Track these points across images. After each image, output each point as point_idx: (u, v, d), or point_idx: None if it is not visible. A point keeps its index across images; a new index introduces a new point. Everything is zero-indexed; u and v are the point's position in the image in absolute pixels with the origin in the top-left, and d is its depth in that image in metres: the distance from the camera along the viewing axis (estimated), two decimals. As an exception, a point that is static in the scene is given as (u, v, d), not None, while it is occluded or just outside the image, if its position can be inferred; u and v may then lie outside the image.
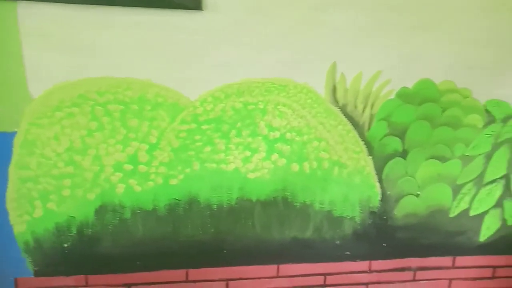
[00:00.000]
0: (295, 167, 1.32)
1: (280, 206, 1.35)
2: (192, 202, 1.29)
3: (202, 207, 1.30)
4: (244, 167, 1.28)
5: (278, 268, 1.41)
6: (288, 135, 1.28)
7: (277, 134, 1.28)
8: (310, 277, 1.43)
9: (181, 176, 1.26)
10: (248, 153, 1.27)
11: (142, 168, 1.23)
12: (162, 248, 1.32)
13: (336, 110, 1.28)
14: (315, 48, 1.20)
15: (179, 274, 1.37)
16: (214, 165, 1.26)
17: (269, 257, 1.39)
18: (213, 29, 1.13)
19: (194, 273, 1.38)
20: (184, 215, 1.30)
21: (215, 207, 1.31)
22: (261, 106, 1.24)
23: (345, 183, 1.36)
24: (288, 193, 1.34)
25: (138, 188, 1.25)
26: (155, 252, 1.31)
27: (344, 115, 1.29)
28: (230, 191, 1.29)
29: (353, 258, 1.45)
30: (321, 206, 1.37)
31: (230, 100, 1.21)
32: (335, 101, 1.27)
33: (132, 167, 1.23)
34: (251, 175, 1.30)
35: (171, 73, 1.16)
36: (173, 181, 1.26)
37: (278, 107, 1.25)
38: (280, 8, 1.15)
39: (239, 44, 1.16)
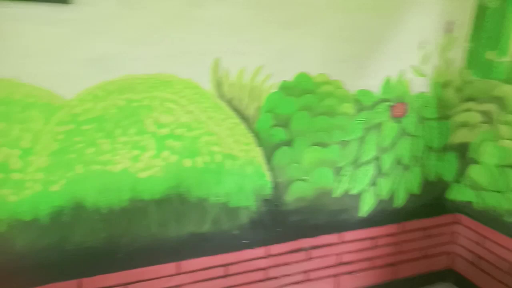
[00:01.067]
0: (188, 162, 1.33)
1: (175, 203, 1.35)
2: (78, 207, 1.21)
3: (90, 212, 1.23)
4: (134, 166, 1.25)
5: (178, 265, 1.41)
6: (177, 131, 1.29)
7: (166, 130, 1.27)
8: (211, 270, 1.46)
9: (63, 181, 1.18)
10: (136, 152, 1.25)
11: (15, 176, 1.13)
12: (49, 260, 1.22)
13: (224, 104, 1.33)
14: (196, 43, 1.23)
15: (71, 285, 1.28)
16: (100, 167, 1.21)
17: (168, 255, 1.38)
18: (84, 21, 1.08)
19: (88, 282, 1.30)
20: (71, 222, 1.22)
21: (105, 211, 1.25)
22: (146, 103, 1.22)
23: (239, 174, 1.41)
24: (183, 189, 1.34)
25: (13, 198, 1.14)
26: (41, 264, 1.21)
27: (232, 108, 1.35)
28: (120, 192, 1.25)
29: (251, 245, 1.51)
30: (216, 199, 1.40)
31: (112, 98, 1.17)
32: (222, 95, 1.32)
33: (2, 175, 1.11)
34: (141, 174, 1.27)
35: (41, 70, 1.08)
36: (54, 187, 1.17)
37: (165, 103, 1.25)
38: (154, 1, 1.15)
39: (113, 38, 1.13)
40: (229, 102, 1.34)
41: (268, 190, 1.48)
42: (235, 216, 1.45)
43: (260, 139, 1.41)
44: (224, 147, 1.36)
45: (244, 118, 1.37)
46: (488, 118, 1.73)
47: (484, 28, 1.65)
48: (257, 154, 1.42)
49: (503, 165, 1.68)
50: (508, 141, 1.65)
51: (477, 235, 1.82)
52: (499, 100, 1.68)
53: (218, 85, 1.30)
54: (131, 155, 1.24)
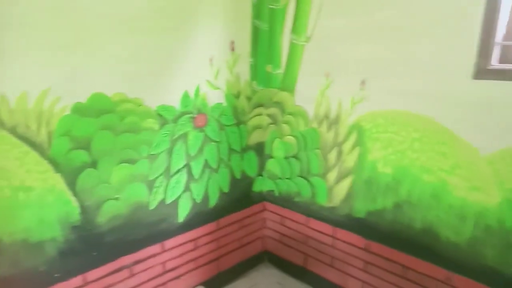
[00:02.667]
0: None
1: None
2: None
3: None
4: None
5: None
6: None
7: None
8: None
9: None
10: None
11: None
12: None
13: (5, 133, 1.21)
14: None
15: None
16: None
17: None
18: None
19: None
20: None
21: None
22: None
23: (37, 205, 1.31)
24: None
25: None
26: None
27: (17, 137, 1.23)
28: None
29: (64, 278, 1.42)
30: (11, 237, 1.26)
31: None
32: (2, 123, 1.20)
33: None
34: None
35: None
36: None
37: None
38: None
39: None
40: (12, 130, 1.22)
41: (76, 216, 1.42)
42: (39, 251, 1.34)
43: (58, 165, 1.34)
44: (13, 179, 1.24)
45: (34, 145, 1.28)
46: (274, 119, 2.10)
47: (260, 46, 1.99)
48: (57, 180, 1.35)
49: (288, 157, 2.07)
50: (289, 136, 2.05)
51: (279, 216, 2.19)
52: (279, 104, 2.06)
53: (-5, 113, 1.18)
54: None
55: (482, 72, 1.37)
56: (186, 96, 1.72)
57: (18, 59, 1.19)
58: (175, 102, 1.68)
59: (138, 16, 1.46)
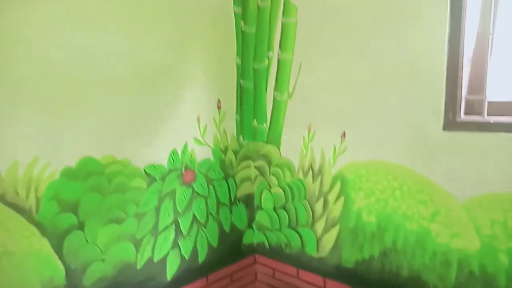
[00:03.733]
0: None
1: None
2: None
3: None
4: None
5: None
6: None
7: None
8: None
9: None
10: None
11: None
12: None
13: (-8, 201, 1.25)
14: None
15: None
16: None
17: None
18: None
19: None
20: None
21: None
22: None
23: (18, 270, 1.31)
24: None
25: None
26: None
27: (5, 204, 1.27)
28: None
29: None
30: (-5, 305, 1.26)
31: None
32: (-10, 192, 1.24)
33: None
34: None
35: None
36: None
37: None
38: None
39: None
40: (1, 198, 1.26)
41: (60, 280, 1.42)
42: (22, 318, 1.32)
43: (44, 228, 1.37)
44: (-2, 245, 1.26)
45: (21, 210, 1.31)
46: (261, 171, 2.15)
47: (245, 103, 2.09)
48: (43, 244, 1.37)
49: (276, 208, 2.09)
50: (277, 188, 2.09)
51: (270, 269, 2.16)
52: (266, 157, 2.12)
53: (-16, 182, 1.23)
54: None
55: (451, 124, 1.45)
56: (174, 153, 1.78)
57: (6, 129, 1.26)
58: (163, 160, 1.74)
59: (125, 79, 1.56)
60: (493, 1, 1.40)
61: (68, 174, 1.42)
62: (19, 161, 1.29)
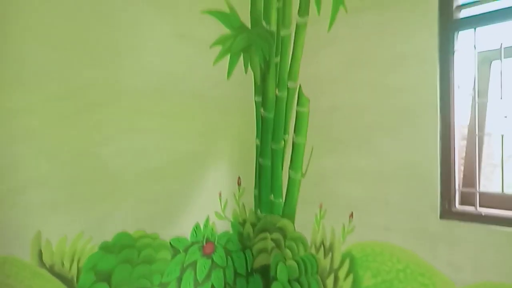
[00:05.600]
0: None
1: None
2: None
3: None
4: None
5: None
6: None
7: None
8: None
9: None
10: None
11: None
12: None
13: (44, 271, 1.47)
14: (15, 219, 1.41)
15: None
16: None
17: None
18: None
19: None
20: None
21: None
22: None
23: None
24: None
25: None
26: None
27: (53, 274, 1.49)
28: None
29: None
30: None
31: None
32: (42, 264, 1.47)
33: None
34: None
35: None
36: None
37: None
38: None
39: None
40: (50, 269, 1.49)
41: None
42: None
43: (82, 297, 1.57)
44: (45, 311, 1.46)
45: (65, 280, 1.53)
46: (277, 244, 2.30)
47: (263, 180, 2.31)
48: (79, 311, 1.56)
49: (291, 280, 2.20)
50: (291, 260, 2.21)
51: None
52: (281, 230, 2.28)
53: (39, 255, 1.46)
54: None
55: (447, 213, 1.59)
56: (197, 227, 1.98)
57: (59, 211, 1.52)
58: (187, 233, 1.95)
59: (161, 167, 1.82)
60: (476, 106, 1.60)
61: (106, 247, 1.64)
62: (67, 236, 1.53)
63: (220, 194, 2.10)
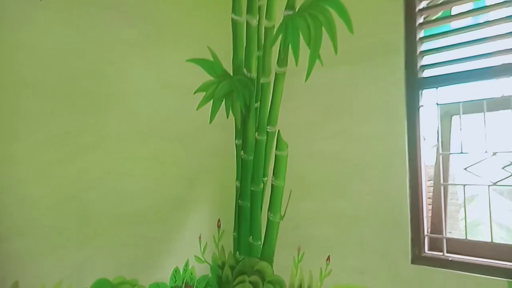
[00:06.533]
0: None
1: None
2: None
3: None
4: None
5: None
6: None
7: None
8: None
9: None
10: None
11: None
12: None
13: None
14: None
15: None
16: None
17: None
18: None
19: None
20: None
21: None
22: None
23: None
24: None
25: None
26: None
27: (28, 325, 1.46)
28: None
29: None
30: None
31: None
32: (18, 315, 1.44)
33: None
34: None
35: None
36: None
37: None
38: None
39: None
40: (26, 320, 1.45)
41: None
42: None
43: None
44: None
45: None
46: (255, 286, 2.31)
47: (242, 222, 2.35)
48: None
49: (269, 324, 2.21)
50: (269, 303, 2.23)
51: None
52: (260, 273, 2.30)
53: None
54: None
55: (417, 258, 1.68)
56: (176, 271, 1.99)
57: (38, 260, 1.51)
58: (166, 278, 1.94)
59: (143, 212, 1.85)
60: (440, 157, 1.74)
61: (84, 295, 1.62)
62: (45, 286, 1.51)
63: (200, 237, 2.13)
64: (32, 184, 1.48)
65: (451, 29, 1.76)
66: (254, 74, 2.43)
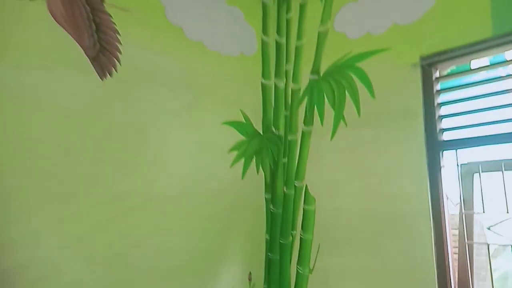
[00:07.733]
0: None
1: None
2: None
3: None
4: None
5: None
6: None
7: None
8: None
9: None
10: None
11: None
12: None
13: None
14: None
15: None
16: None
17: None
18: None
19: None
20: None
21: None
22: None
23: None
24: None
25: None
26: None
27: None
28: None
29: None
30: None
31: None
32: None
33: None
34: None
35: None
36: None
37: None
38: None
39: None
40: None
41: None
42: None
43: None
44: None
45: None
46: None
47: (272, 275, 2.43)
48: None
49: None
50: None
51: None
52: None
53: None
54: None
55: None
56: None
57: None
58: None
59: (179, 266, 1.98)
60: (464, 216, 1.82)
61: None
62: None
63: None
64: (87, 242, 1.66)
65: (468, 82, 1.89)
66: (282, 132, 2.61)
